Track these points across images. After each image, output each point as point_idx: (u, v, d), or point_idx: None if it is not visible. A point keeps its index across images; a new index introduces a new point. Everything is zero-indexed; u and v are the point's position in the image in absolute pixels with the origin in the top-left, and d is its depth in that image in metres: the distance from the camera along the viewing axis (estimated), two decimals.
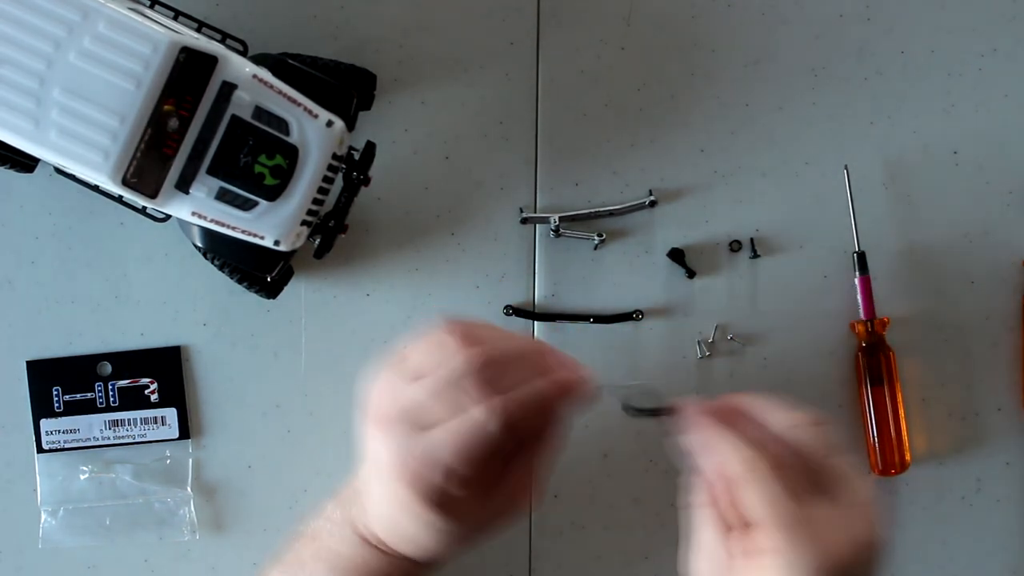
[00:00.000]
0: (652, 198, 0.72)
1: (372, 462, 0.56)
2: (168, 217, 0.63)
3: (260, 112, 0.59)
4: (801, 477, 0.52)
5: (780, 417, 0.54)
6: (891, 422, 0.71)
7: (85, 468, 0.71)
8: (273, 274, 0.65)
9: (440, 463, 0.53)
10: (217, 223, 0.60)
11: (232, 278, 0.68)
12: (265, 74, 0.60)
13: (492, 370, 0.54)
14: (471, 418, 0.52)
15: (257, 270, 0.65)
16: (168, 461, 0.72)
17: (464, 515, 0.55)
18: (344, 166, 0.63)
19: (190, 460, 0.72)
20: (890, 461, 0.71)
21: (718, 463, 0.54)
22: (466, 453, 0.53)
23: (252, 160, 0.59)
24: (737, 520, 0.53)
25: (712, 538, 0.54)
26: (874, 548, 0.53)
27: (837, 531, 0.52)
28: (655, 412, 0.57)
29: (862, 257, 0.72)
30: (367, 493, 0.58)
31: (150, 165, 0.58)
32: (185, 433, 0.72)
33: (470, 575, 0.72)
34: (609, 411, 0.72)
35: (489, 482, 0.55)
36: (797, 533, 0.51)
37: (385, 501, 0.56)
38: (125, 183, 0.58)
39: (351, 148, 0.64)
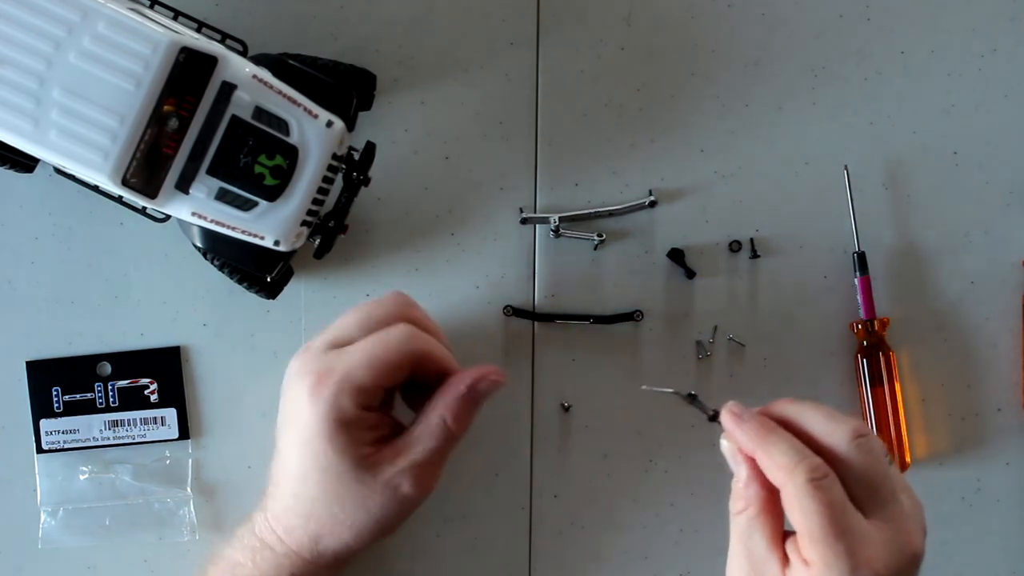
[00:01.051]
0: (652, 198, 0.72)
1: (286, 413, 0.60)
2: (168, 217, 0.63)
3: (260, 112, 0.59)
4: (843, 489, 0.52)
5: (824, 426, 0.54)
6: (891, 422, 0.71)
7: (85, 468, 0.71)
8: (273, 274, 0.65)
9: (352, 376, 0.57)
10: (217, 223, 0.60)
11: (232, 278, 0.68)
12: (265, 74, 0.60)
13: (412, 317, 0.61)
14: (386, 333, 0.58)
15: (257, 270, 0.65)
16: (168, 461, 0.72)
17: (363, 467, 0.58)
18: (344, 166, 0.63)
19: (190, 460, 0.72)
20: None
21: (761, 472, 0.54)
22: (377, 367, 0.57)
23: (252, 160, 0.59)
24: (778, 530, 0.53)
25: (762, 546, 0.53)
26: (915, 562, 0.53)
27: (877, 546, 0.51)
28: (699, 407, 0.58)
29: (862, 257, 0.72)
30: (275, 477, 0.61)
31: (150, 165, 0.58)
32: (185, 433, 0.72)
33: (469, 575, 0.72)
34: (610, 411, 0.72)
35: (386, 432, 0.60)
36: (836, 547, 0.50)
37: (293, 455, 0.59)
38: (125, 183, 0.58)
39: (351, 148, 0.64)
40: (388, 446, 0.60)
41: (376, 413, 0.60)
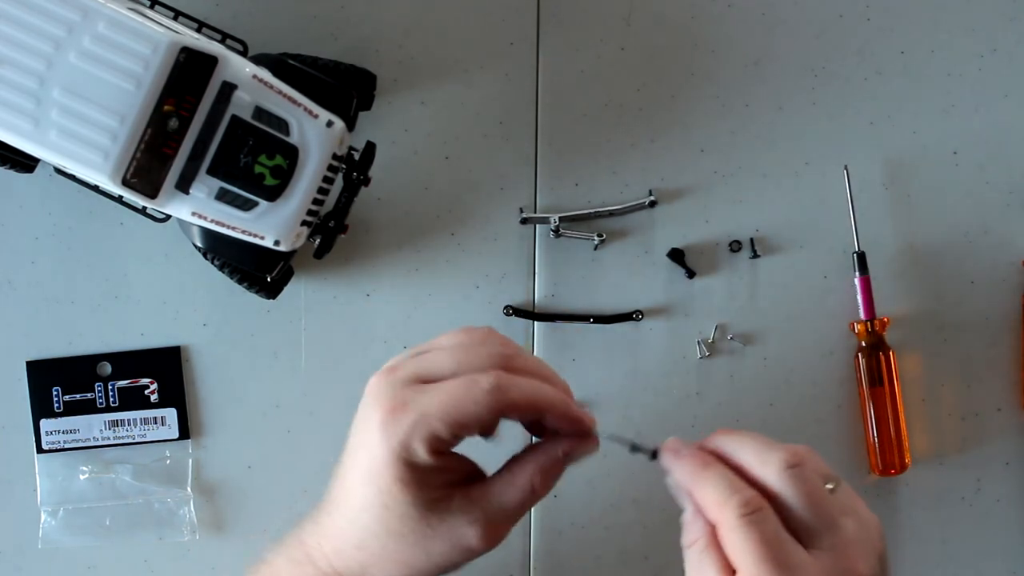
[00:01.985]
0: (652, 198, 0.72)
1: (356, 436, 0.55)
2: (168, 217, 0.63)
3: (260, 112, 0.59)
4: (778, 521, 0.51)
5: (756, 457, 0.53)
6: (891, 422, 0.71)
7: (85, 468, 0.71)
8: (273, 274, 0.65)
9: (427, 421, 0.52)
10: (217, 223, 0.60)
11: (232, 278, 0.68)
12: (265, 74, 0.60)
13: (510, 364, 0.54)
14: (471, 379, 0.53)
15: (257, 270, 0.65)
16: (168, 461, 0.72)
17: (430, 510, 0.54)
18: (344, 166, 0.63)
19: (190, 460, 0.72)
20: (890, 461, 0.71)
21: (699, 506, 0.53)
22: (454, 418, 0.52)
23: (252, 160, 0.59)
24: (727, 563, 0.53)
25: None
26: None
27: None
28: (640, 449, 0.57)
29: (862, 257, 0.72)
30: (334, 495, 0.57)
31: (150, 165, 0.58)
32: (185, 433, 0.72)
33: (470, 575, 0.72)
34: (610, 410, 0.72)
35: (459, 476, 0.55)
36: None
37: (356, 482, 0.55)
38: (125, 183, 0.58)
39: (351, 148, 0.64)
40: (461, 492, 0.55)
41: (452, 457, 0.55)
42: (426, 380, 0.54)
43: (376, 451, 0.53)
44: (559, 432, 0.56)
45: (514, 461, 0.57)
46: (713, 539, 0.53)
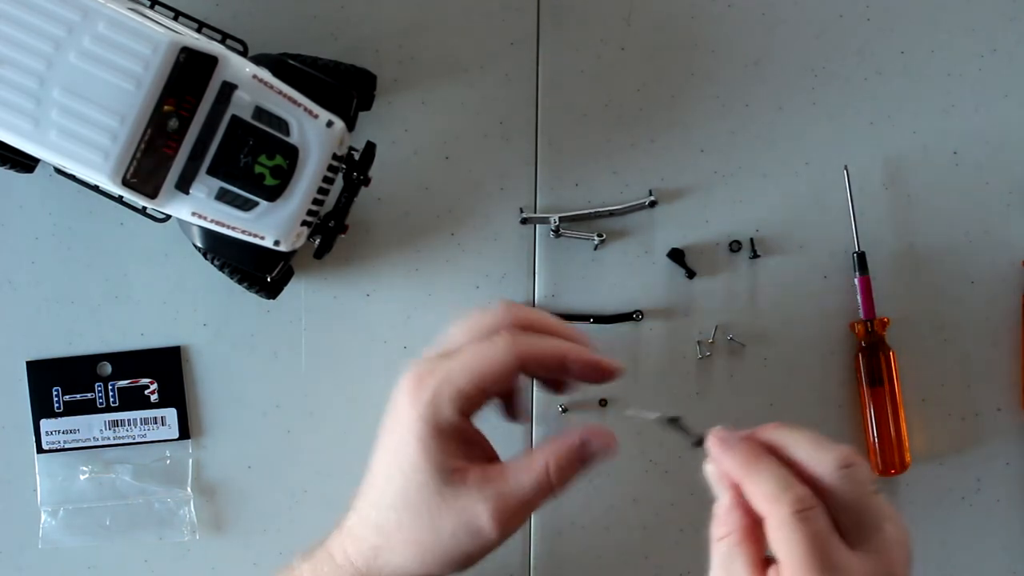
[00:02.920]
0: (652, 198, 0.72)
1: (387, 417, 0.57)
2: (168, 217, 0.63)
3: (260, 112, 0.59)
4: (828, 519, 0.51)
5: (811, 454, 0.53)
6: (891, 422, 0.71)
7: (85, 468, 0.71)
8: (273, 274, 0.65)
9: (452, 379, 0.55)
10: (217, 223, 0.60)
11: (232, 278, 0.68)
12: (265, 74, 0.60)
13: (526, 322, 0.57)
14: (491, 343, 0.55)
15: (257, 270, 0.65)
16: (168, 461, 0.72)
17: (446, 480, 0.55)
18: (344, 166, 0.63)
19: (190, 460, 0.72)
20: (890, 461, 0.71)
21: (745, 498, 0.53)
22: (477, 373, 0.55)
23: (252, 160, 0.59)
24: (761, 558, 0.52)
25: (743, 574, 0.52)
26: None
27: None
28: (686, 432, 0.57)
29: (862, 257, 0.72)
30: (362, 486, 0.58)
31: (150, 165, 0.58)
32: (185, 433, 0.72)
33: (470, 575, 0.72)
34: (609, 416, 0.72)
35: (480, 455, 0.57)
36: None
37: (382, 459, 0.56)
38: (125, 183, 0.58)
39: (351, 148, 0.64)
40: (479, 468, 0.56)
41: (475, 429, 0.57)
42: (450, 353, 0.57)
43: (403, 417, 0.55)
44: (585, 379, 0.58)
45: (532, 449, 0.57)
46: (748, 534, 0.53)
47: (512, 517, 0.56)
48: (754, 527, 0.53)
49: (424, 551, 0.56)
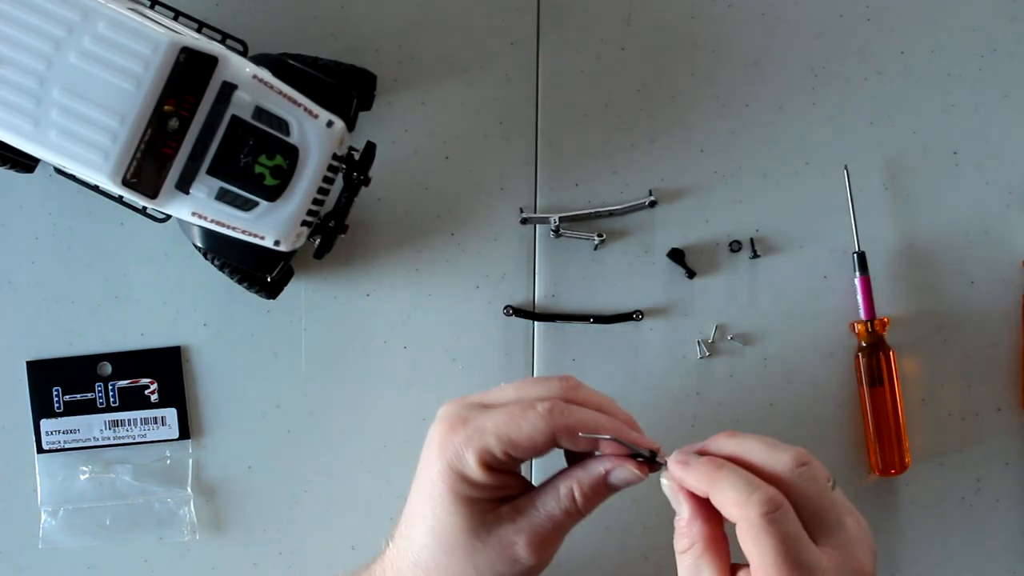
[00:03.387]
0: (652, 198, 0.72)
1: (424, 453, 0.57)
2: (168, 217, 0.63)
3: (260, 112, 0.59)
4: (796, 519, 0.51)
5: (766, 456, 0.53)
6: (891, 422, 0.71)
7: (85, 468, 0.71)
8: (273, 274, 0.65)
9: (481, 436, 0.55)
10: (217, 223, 0.60)
11: (232, 278, 0.68)
12: (265, 74, 0.60)
13: (572, 396, 0.57)
14: (530, 409, 0.55)
15: (257, 270, 0.65)
16: (168, 461, 0.72)
17: (479, 523, 0.56)
18: (344, 166, 0.63)
19: (190, 460, 0.72)
20: (890, 461, 0.71)
21: (704, 509, 0.53)
22: (507, 437, 0.54)
23: (252, 160, 0.59)
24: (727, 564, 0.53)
25: None
26: None
27: (832, 573, 0.51)
28: (642, 456, 0.57)
29: (862, 257, 0.72)
30: (403, 515, 0.59)
31: (150, 165, 0.58)
32: (185, 433, 0.72)
33: None
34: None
35: (513, 493, 0.57)
36: None
37: (416, 498, 0.57)
38: (125, 183, 0.58)
39: (351, 148, 0.64)
40: (510, 504, 0.57)
41: (507, 475, 0.57)
42: (491, 407, 0.57)
43: (434, 463, 0.56)
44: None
45: (561, 473, 0.58)
46: (710, 543, 0.53)
47: (545, 543, 0.57)
48: (716, 536, 0.53)
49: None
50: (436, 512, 0.56)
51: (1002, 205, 0.73)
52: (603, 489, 0.57)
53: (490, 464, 0.55)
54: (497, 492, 0.57)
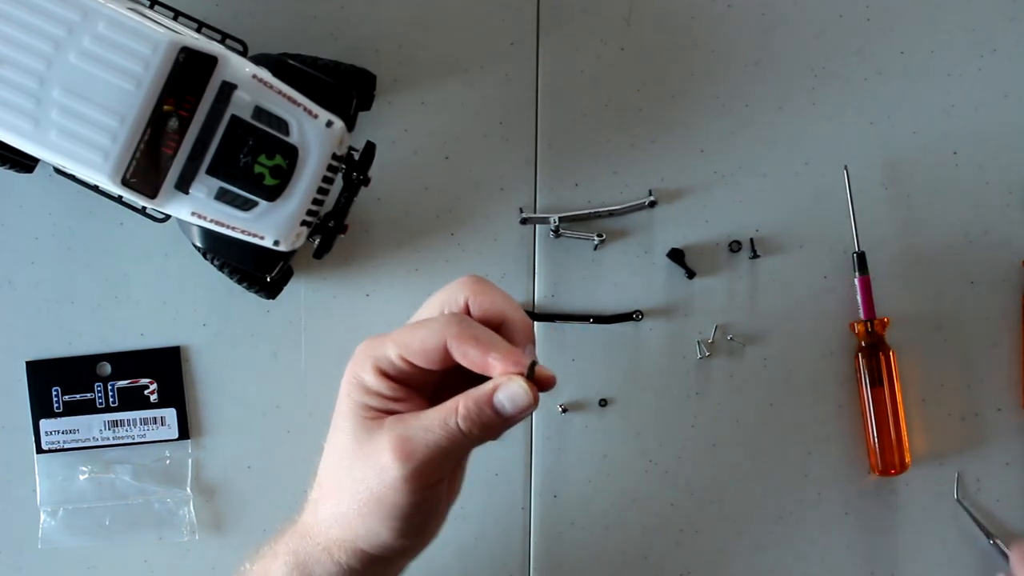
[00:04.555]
0: (652, 198, 0.72)
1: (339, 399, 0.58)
2: (168, 217, 0.63)
3: (260, 112, 0.59)
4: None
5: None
6: (891, 422, 0.71)
7: (85, 468, 0.71)
8: (273, 274, 0.65)
9: (378, 350, 0.56)
10: (217, 223, 0.60)
11: (232, 278, 0.68)
12: (265, 74, 0.60)
13: (483, 312, 0.57)
14: (426, 323, 0.56)
15: (257, 270, 0.65)
16: (168, 461, 0.72)
17: (364, 427, 0.56)
18: (344, 166, 0.63)
19: (190, 460, 0.72)
20: (890, 461, 0.71)
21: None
22: (403, 347, 0.55)
23: (252, 160, 0.59)
24: None
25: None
26: None
27: None
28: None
29: (862, 257, 0.72)
30: (320, 482, 0.58)
31: (150, 165, 0.58)
32: (185, 433, 0.72)
33: (469, 574, 0.72)
34: (610, 411, 0.72)
35: (410, 406, 0.57)
36: None
37: (332, 426, 0.57)
38: (125, 183, 0.58)
39: (351, 148, 0.64)
40: (396, 416, 0.56)
41: (403, 387, 0.56)
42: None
43: (342, 383, 0.57)
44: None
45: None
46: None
47: (414, 455, 0.54)
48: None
49: (345, 496, 0.56)
50: (336, 424, 0.57)
51: (1002, 205, 0.73)
52: (489, 410, 0.54)
53: (386, 372, 0.56)
54: (392, 403, 0.56)
